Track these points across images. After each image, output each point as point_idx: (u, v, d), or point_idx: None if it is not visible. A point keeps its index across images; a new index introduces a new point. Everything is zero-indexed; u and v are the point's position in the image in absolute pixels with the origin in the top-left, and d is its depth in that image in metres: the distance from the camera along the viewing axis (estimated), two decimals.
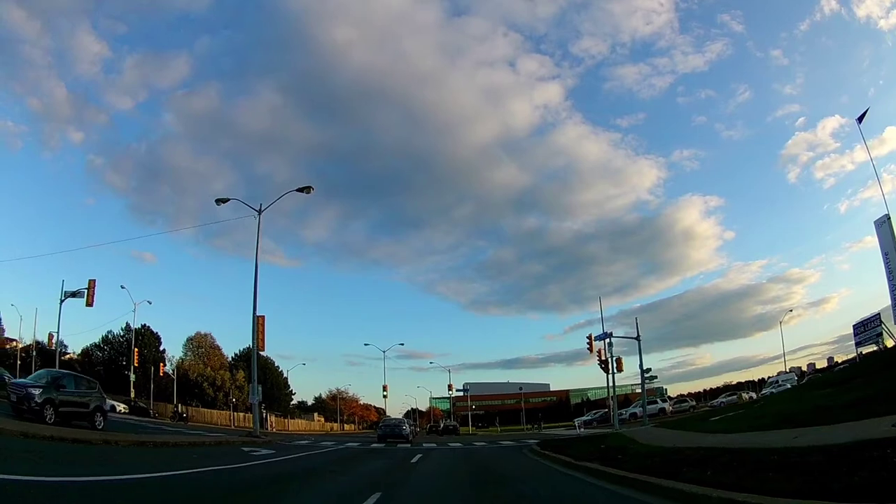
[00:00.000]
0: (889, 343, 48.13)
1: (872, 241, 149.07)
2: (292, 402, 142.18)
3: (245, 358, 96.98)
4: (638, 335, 47.77)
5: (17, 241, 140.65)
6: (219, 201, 40.82)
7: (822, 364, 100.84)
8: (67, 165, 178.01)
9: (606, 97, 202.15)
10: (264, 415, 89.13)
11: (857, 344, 59.22)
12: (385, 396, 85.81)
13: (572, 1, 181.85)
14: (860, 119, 42.50)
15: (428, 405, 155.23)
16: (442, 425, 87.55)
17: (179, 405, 73.37)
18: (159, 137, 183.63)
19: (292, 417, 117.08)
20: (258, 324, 39.88)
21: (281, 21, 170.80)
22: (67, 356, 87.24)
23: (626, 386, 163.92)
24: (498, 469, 20.35)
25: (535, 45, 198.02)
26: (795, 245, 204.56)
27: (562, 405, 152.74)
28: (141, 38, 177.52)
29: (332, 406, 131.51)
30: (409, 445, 36.99)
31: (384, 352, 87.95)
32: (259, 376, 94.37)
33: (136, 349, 78.37)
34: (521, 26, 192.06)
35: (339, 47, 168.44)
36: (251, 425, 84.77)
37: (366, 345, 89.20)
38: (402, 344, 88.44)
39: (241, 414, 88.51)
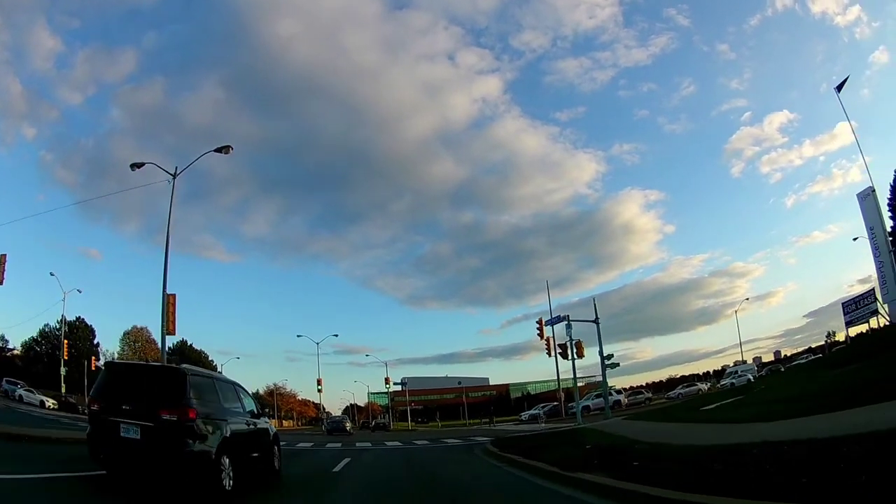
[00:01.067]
0: (882, 321, 44.76)
1: (821, 235, 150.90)
2: None
3: (178, 351, 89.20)
4: (596, 317, 42.75)
5: None
6: (133, 166, 35.29)
7: (768, 357, 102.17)
8: (21, 162, 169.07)
9: (546, 91, 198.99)
10: None
11: (848, 323, 57.47)
12: (320, 391, 79.26)
13: None
14: (839, 88, 38.99)
15: (367, 401, 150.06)
16: (373, 423, 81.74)
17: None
18: (106, 132, 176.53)
19: None
20: (168, 303, 33.46)
21: (226, 14, 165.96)
22: (11, 353, 79.62)
23: (568, 379, 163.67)
24: (451, 481, 14.65)
25: (476, 39, 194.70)
26: (739, 239, 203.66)
27: (502, 399, 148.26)
28: (92, 33, 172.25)
29: (270, 402, 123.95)
30: (339, 445, 31.22)
31: (318, 343, 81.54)
32: None
33: (66, 341, 71.89)
34: (463, 19, 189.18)
35: (282, 41, 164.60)
36: None
37: (299, 336, 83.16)
38: (337, 335, 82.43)
39: None
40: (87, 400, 53.09)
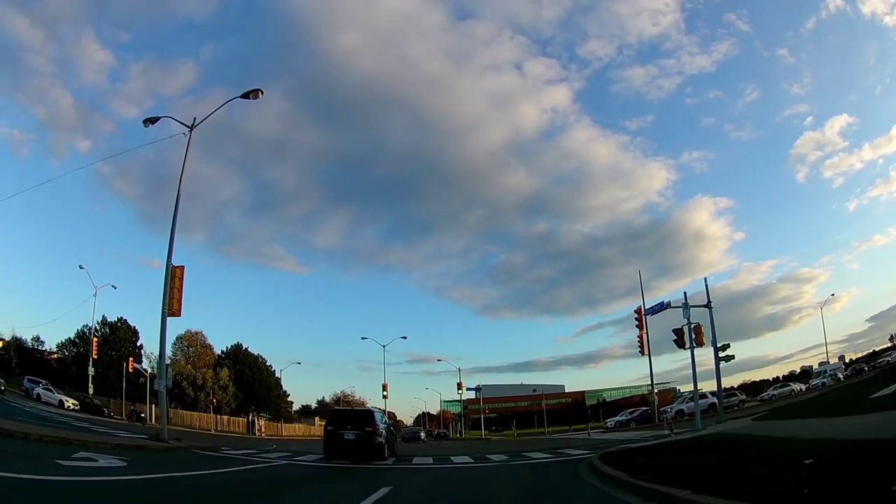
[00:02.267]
0: None
1: (882, 239, 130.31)
2: (292, 407, 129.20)
3: (231, 356, 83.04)
4: (709, 301, 32.93)
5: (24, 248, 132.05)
6: (147, 121, 31.74)
7: (833, 362, 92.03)
8: (76, 173, 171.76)
9: (614, 99, 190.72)
10: (251, 418, 75.63)
11: None
12: (385, 396, 71.52)
13: (578, 3, 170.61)
14: None
15: (438, 409, 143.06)
16: (435, 431, 72.98)
17: (136, 404, 59.50)
18: (166, 145, 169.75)
19: (288, 422, 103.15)
20: (173, 276, 25.90)
21: (285, 27, 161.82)
22: (47, 354, 74.84)
23: (639, 387, 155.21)
24: None
25: (542, 48, 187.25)
26: (805, 245, 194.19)
27: (577, 407, 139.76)
28: (145, 46, 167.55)
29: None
30: (389, 462, 22.22)
31: (384, 346, 73.87)
32: (247, 375, 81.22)
33: (95, 339, 65.55)
34: (527, 29, 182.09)
35: (345, 52, 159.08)
36: (239, 430, 72.09)
37: (363, 338, 75.17)
38: (405, 338, 74.50)
39: (226, 417, 74.85)
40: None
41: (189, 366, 78.22)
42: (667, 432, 32.86)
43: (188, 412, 69.21)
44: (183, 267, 26.98)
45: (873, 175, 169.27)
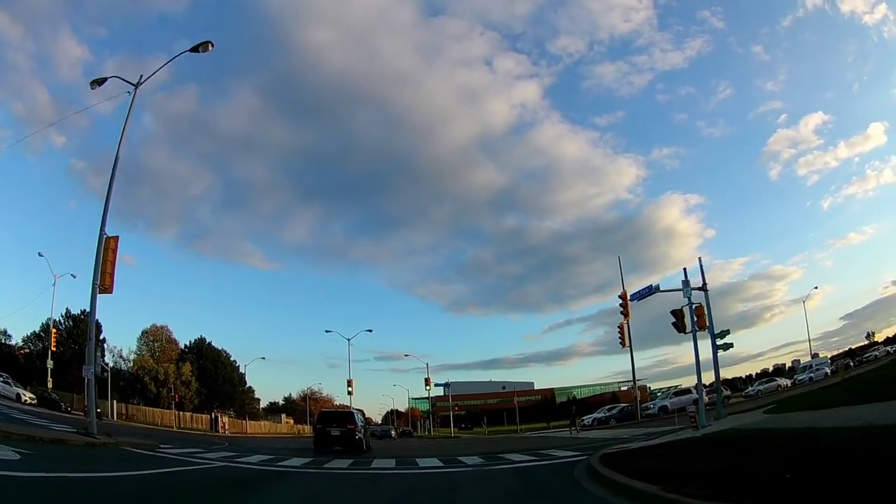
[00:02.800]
0: None
1: (857, 237, 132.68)
2: (259, 404, 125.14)
3: (195, 349, 79.09)
4: (704, 283, 30.47)
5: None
6: (94, 83, 27.20)
7: (805, 359, 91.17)
8: (51, 169, 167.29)
9: (585, 95, 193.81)
10: (214, 415, 72.15)
11: None
12: (350, 393, 68.25)
13: None
14: None
15: (407, 406, 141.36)
16: (394, 431, 70.49)
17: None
18: (139, 140, 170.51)
19: (254, 419, 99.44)
20: (106, 248, 22.85)
21: (258, 23, 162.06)
22: (13, 348, 70.45)
23: (609, 384, 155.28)
24: None
25: (512, 44, 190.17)
26: (777, 242, 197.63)
27: (547, 404, 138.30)
28: (121, 41, 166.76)
29: (302, 407, 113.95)
30: (345, 466, 19.44)
31: (349, 340, 70.63)
32: (210, 370, 77.55)
33: (54, 331, 63.30)
34: (498, 25, 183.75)
35: (316, 49, 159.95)
36: (202, 427, 68.49)
37: (328, 332, 71.25)
38: (370, 330, 72.15)
39: (189, 414, 71.26)
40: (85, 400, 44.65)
41: (151, 360, 74.46)
42: (651, 430, 30.70)
43: (150, 408, 64.99)
44: (117, 238, 23.87)
45: (849, 173, 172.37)
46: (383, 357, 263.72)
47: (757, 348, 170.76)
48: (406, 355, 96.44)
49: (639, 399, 54.23)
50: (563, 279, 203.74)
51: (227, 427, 74.25)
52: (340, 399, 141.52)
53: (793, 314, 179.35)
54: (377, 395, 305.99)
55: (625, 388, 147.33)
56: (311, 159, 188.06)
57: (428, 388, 69.74)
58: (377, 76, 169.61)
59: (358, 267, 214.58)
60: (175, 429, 58.58)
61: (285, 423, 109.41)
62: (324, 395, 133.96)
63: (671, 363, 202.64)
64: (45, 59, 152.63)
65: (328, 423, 28.38)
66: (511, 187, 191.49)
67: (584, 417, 58.62)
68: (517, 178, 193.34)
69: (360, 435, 28.44)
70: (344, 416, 30.51)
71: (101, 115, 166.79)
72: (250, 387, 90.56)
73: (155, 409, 66.41)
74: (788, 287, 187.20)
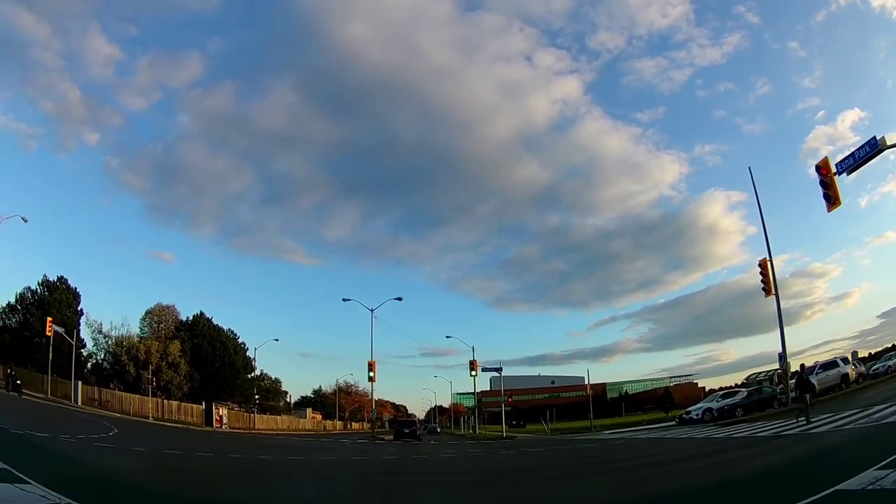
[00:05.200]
0: None
1: (894, 235, 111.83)
2: (288, 398, 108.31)
3: (189, 327, 61.61)
4: None
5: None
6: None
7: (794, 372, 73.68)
8: (84, 166, 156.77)
9: (625, 91, 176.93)
10: (207, 405, 54.93)
11: None
12: (371, 378, 49.02)
13: None
14: None
15: (450, 401, 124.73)
16: (421, 427, 61.33)
17: (10, 369, 39.63)
18: (175, 137, 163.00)
19: (275, 413, 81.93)
20: None
21: (293, 18, 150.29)
22: None
23: (659, 379, 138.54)
24: None
25: (552, 40, 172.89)
26: (817, 240, 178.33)
27: (598, 399, 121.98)
28: (152, 39, 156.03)
29: (332, 400, 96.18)
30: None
31: (372, 311, 51.55)
32: (206, 350, 56.43)
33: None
34: (537, 20, 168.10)
35: (353, 43, 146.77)
36: (192, 419, 51.97)
37: (345, 300, 52.67)
38: (400, 299, 52.80)
39: (176, 403, 54.05)
40: (48, 379, 43.80)
41: (134, 337, 57.39)
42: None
43: (128, 395, 50.08)
44: None
45: (885, 170, 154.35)
46: (428, 353, 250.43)
47: (797, 346, 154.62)
48: (448, 337, 79.03)
49: (789, 374, 33.02)
50: (606, 276, 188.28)
51: (225, 421, 56.98)
52: (378, 394, 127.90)
53: (832, 312, 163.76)
54: (421, 390, 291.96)
55: (674, 384, 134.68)
56: (350, 154, 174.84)
57: (473, 374, 50.41)
58: (415, 71, 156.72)
59: (399, 264, 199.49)
60: (151, 420, 45.41)
61: (311, 419, 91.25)
62: (359, 388, 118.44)
63: (714, 360, 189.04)
64: (74, 58, 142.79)
65: (401, 425, 51.22)
66: (554, 184, 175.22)
67: (691, 408, 38.88)
68: (560, 174, 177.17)
69: (418, 431, 52.97)
70: (410, 421, 57.54)
71: (134, 111, 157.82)
72: (262, 373, 72.72)
73: (133, 395, 50.30)
74: (828, 285, 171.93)
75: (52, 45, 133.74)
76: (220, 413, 56.02)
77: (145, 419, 44.58)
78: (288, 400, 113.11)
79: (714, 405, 36.40)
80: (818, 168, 21.32)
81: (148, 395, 50.13)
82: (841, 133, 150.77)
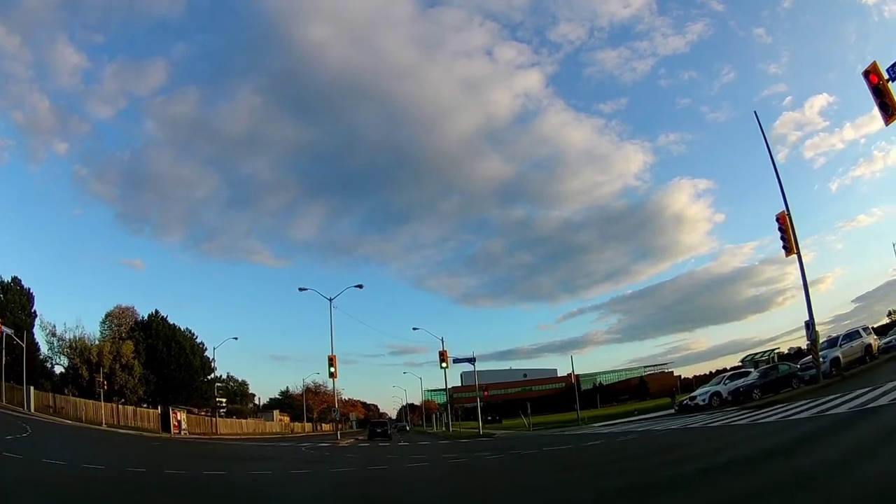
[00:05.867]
0: None
1: (866, 219, 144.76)
2: (256, 400, 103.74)
3: (144, 327, 56.96)
4: None
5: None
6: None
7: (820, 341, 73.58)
8: (54, 177, 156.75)
9: (587, 82, 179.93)
10: (164, 410, 50.81)
11: None
12: (332, 374, 44.38)
13: None
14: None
15: (422, 398, 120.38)
16: (380, 429, 53.29)
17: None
18: (142, 145, 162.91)
19: (241, 416, 77.60)
20: None
21: (255, 23, 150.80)
22: None
23: (633, 370, 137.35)
24: None
25: (512, 33, 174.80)
26: None
27: (571, 392, 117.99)
28: (118, 47, 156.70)
29: (300, 402, 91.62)
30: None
31: (331, 300, 47.21)
32: (161, 352, 48.08)
33: None
34: (497, 15, 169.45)
35: (315, 45, 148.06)
36: (149, 425, 47.92)
37: (301, 290, 48.12)
38: (361, 286, 48.62)
39: (132, 408, 49.59)
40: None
41: (85, 340, 52.61)
42: None
43: (83, 400, 45.58)
44: None
45: (855, 155, 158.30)
46: (397, 351, 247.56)
47: (770, 332, 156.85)
48: (415, 328, 75.33)
49: (818, 344, 29.92)
50: (573, 268, 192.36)
51: (184, 426, 52.63)
52: (347, 393, 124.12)
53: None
54: (391, 388, 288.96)
55: (648, 373, 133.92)
56: (315, 156, 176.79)
57: (444, 365, 46.86)
58: (378, 70, 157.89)
59: (367, 262, 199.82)
60: (104, 427, 41.34)
61: (279, 422, 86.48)
62: (328, 388, 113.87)
63: (685, 349, 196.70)
64: (43, 68, 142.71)
65: (374, 425, 55.39)
66: (518, 177, 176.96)
67: (695, 393, 35.65)
68: (524, 167, 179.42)
69: (389, 431, 56.80)
70: (382, 422, 61.77)
71: (102, 119, 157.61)
72: (221, 375, 68.10)
73: (88, 401, 45.74)
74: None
75: (21, 56, 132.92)
76: (179, 418, 51.63)
77: (98, 426, 40.66)
78: (257, 402, 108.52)
79: (722, 388, 33.02)
80: (867, 74, 17.64)
81: (102, 401, 45.96)
82: (809, 118, 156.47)
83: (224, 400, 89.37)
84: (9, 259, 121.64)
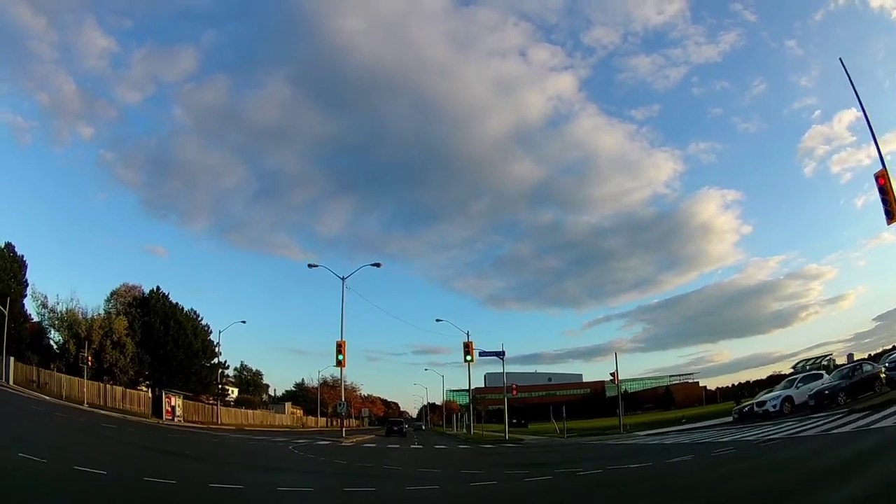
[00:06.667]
0: None
1: (889, 237, 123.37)
2: (270, 392, 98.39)
3: (142, 304, 51.21)
4: None
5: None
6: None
7: (841, 360, 69.26)
8: (78, 160, 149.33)
9: (620, 88, 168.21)
10: (158, 393, 45.51)
11: None
12: (340, 361, 37.20)
13: None
14: None
15: (443, 398, 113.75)
16: (396, 427, 53.52)
17: None
18: (169, 132, 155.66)
19: (247, 406, 71.92)
20: None
21: (286, 12, 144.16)
22: None
23: (659, 378, 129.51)
24: None
25: (546, 35, 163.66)
26: (812, 240, 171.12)
27: (596, 398, 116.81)
28: (147, 32, 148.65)
29: (314, 397, 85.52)
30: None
31: (343, 279, 40.46)
32: (158, 330, 41.91)
33: None
34: (531, 16, 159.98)
35: (347, 37, 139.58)
36: (140, 408, 43.41)
37: (311, 266, 41.91)
38: (378, 265, 41.71)
39: (120, 389, 44.08)
40: None
41: (76, 312, 47.20)
42: None
43: (68, 377, 41.13)
44: None
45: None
46: (420, 351, 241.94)
47: (792, 348, 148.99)
48: (438, 320, 68.61)
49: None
50: (600, 275, 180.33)
51: (178, 413, 46.89)
52: (368, 389, 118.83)
53: (827, 314, 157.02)
54: (413, 388, 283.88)
55: (674, 383, 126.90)
56: (343, 149, 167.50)
57: (469, 358, 40.19)
58: (409, 65, 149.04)
59: (393, 259, 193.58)
60: (85, 407, 36.81)
61: (290, 414, 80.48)
62: (347, 383, 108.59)
63: (708, 361, 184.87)
64: (70, 51, 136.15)
65: (392, 423, 58.15)
66: (548, 181, 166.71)
67: (764, 398, 28.56)
68: (554, 171, 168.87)
69: (405, 429, 60.59)
70: (399, 420, 66.07)
71: (129, 104, 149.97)
72: (224, 361, 61.74)
73: (74, 378, 40.92)
74: (823, 287, 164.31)
75: (47, 38, 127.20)
76: (173, 403, 45.97)
77: (79, 406, 36.41)
78: (273, 394, 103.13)
79: (794, 392, 26.38)
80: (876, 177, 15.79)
81: (86, 378, 40.59)
82: (837, 133, 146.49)
83: (236, 389, 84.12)
84: (25, 240, 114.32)
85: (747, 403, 31.66)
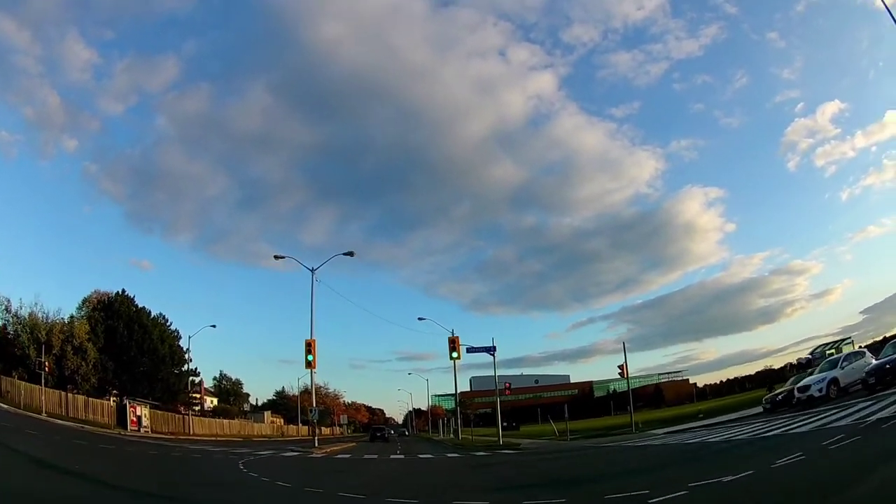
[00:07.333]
0: None
1: (875, 230, 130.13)
2: (250, 401, 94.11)
3: (106, 307, 47.45)
4: None
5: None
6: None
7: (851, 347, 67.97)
8: (63, 173, 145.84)
9: (600, 86, 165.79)
10: (124, 402, 41.63)
11: None
12: (310, 362, 33.43)
13: None
14: None
15: (428, 403, 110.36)
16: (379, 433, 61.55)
17: None
18: (152, 142, 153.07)
19: (224, 416, 67.79)
20: None
21: (267, 20, 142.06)
22: None
23: (647, 376, 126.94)
24: None
25: (526, 34, 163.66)
26: (797, 236, 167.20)
27: (585, 399, 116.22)
28: (129, 43, 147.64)
29: (294, 404, 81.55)
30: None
31: (312, 270, 36.80)
32: (122, 335, 41.20)
33: None
34: (511, 15, 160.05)
35: (328, 44, 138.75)
36: (104, 418, 40.20)
37: (278, 258, 38.51)
38: (352, 254, 38.46)
39: (82, 397, 40.25)
40: None
41: (38, 315, 43.11)
42: None
43: (30, 385, 38.06)
44: None
45: (866, 163, 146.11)
46: (405, 357, 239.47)
47: (778, 343, 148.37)
48: (420, 319, 65.05)
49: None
50: (584, 277, 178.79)
51: (145, 423, 42.88)
52: (352, 396, 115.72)
53: (813, 309, 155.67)
54: (398, 394, 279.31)
55: (664, 381, 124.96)
56: (326, 156, 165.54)
57: (455, 356, 36.68)
58: (391, 70, 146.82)
59: (377, 267, 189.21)
60: (43, 416, 34.31)
61: (270, 423, 76.36)
62: (329, 390, 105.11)
63: (693, 359, 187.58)
64: (53, 64, 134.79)
65: (375, 430, 66.41)
66: (529, 182, 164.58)
67: (807, 381, 24.78)
68: (535, 172, 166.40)
69: (388, 434, 67.63)
70: (381, 427, 72.24)
71: (112, 116, 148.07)
72: (194, 368, 57.68)
73: (35, 386, 37.49)
74: (809, 282, 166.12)
75: (32, 51, 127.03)
76: (139, 413, 42.01)
77: (37, 415, 33.77)
78: (255, 403, 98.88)
79: (838, 374, 23.52)
80: None
81: (52, 386, 38.09)
82: (821, 126, 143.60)
83: (215, 399, 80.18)
84: (11, 255, 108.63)
85: (783, 389, 28.55)
